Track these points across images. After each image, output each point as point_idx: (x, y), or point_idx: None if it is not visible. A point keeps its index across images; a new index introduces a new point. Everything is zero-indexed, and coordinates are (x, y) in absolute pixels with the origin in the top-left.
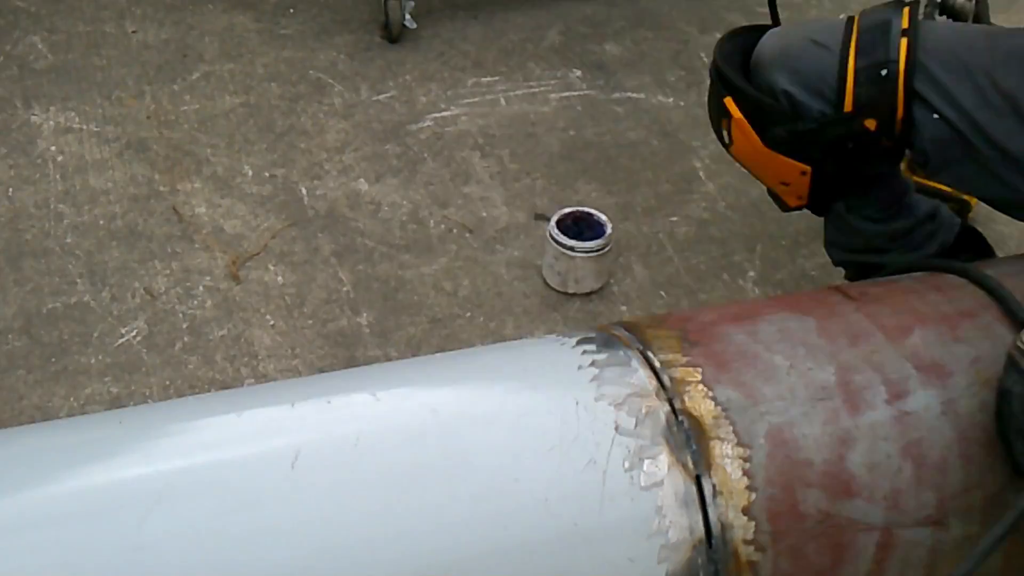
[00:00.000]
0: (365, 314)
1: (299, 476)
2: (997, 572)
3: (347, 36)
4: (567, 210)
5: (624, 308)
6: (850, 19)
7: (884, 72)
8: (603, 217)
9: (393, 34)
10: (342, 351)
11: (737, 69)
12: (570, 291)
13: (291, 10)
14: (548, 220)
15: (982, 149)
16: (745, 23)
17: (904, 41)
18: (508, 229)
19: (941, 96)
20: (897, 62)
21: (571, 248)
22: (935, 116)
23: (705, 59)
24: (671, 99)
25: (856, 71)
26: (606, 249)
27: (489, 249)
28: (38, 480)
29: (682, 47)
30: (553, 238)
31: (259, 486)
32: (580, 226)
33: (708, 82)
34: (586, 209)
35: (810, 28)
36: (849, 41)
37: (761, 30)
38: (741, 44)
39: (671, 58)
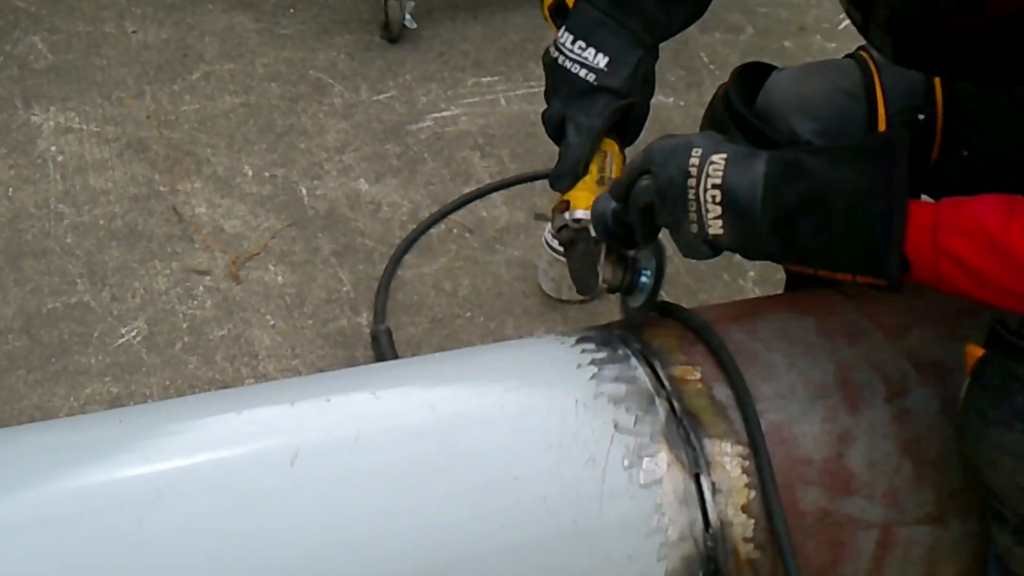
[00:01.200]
0: (365, 314)
1: (298, 474)
2: None
3: (347, 36)
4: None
5: None
6: (859, 58)
7: (922, 116)
8: None
9: (393, 34)
10: (342, 351)
11: (753, 116)
12: (563, 298)
13: (291, 10)
14: (549, 220)
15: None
16: (745, 23)
17: (937, 81)
18: (508, 229)
19: (971, 127)
20: (935, 104)
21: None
22: (964, 152)
23: (705, 59)
24: (671, 99)
25: (889, 116)
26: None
27: (489, 249)
28: (38, 479)
29: (682, 47)
30: (547, 244)
31: (258, 484)
32: None
33: (708, 117)
34: None
35: (824, 72)
36: (873, 85)
37: (759, 71)
38: (748, 85)
39: (671, 58)
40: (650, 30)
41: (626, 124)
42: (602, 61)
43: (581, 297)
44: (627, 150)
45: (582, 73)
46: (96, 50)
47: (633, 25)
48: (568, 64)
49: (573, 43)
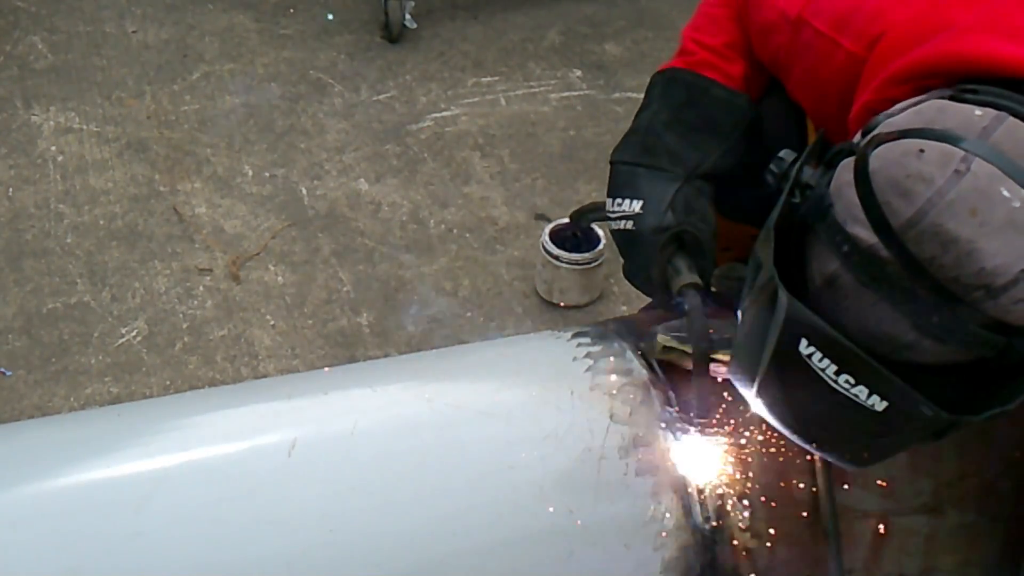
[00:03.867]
0: (365, 314)
1: (295, 465)
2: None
3: (347, 36)
4: (567, 221)
5: (624, 308)
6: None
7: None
8: (600, 232)
9: (393, 34)
10: (342, 351)
11: None
12: (555, 301)
13: (291, 10)
14: (549, 220)
15: None
16: None
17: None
18: (508, 229)
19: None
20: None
21: (557, 257)
22: None
23: None
24: None
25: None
26: (594, 263)
27: (489, 249)
28: (40, 473)
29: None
30: (544, 247)
31: (255, 474)
32: (578, 238)
33: None
34: None
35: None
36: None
37: None
38: None
39: (671, 58)
40: (680, 164)
41: (693, 255)
42: (637, 205)
43: (572, 303)
44: None
45: (623, 224)
46: (96, 50)
47: (661, 163)
48: (614, 224)
49: (612, 203)
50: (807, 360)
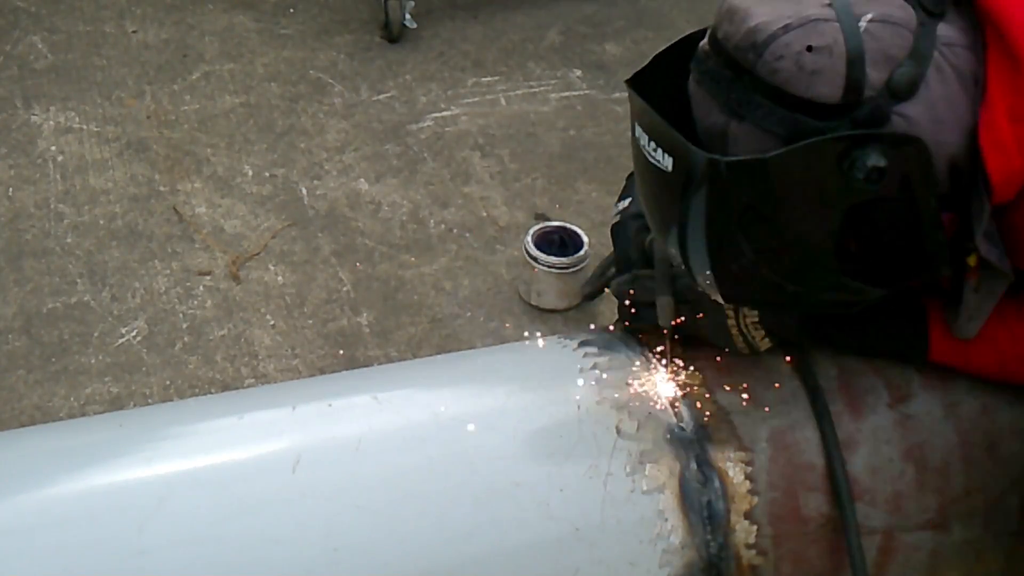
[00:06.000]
0: (365, 314)
1: (300, 481)
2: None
3: (347, 36)
4: (554, 224)
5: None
6: None
7: None
8: (585, 238)
9: (393, 34)
10: (342, 351)
11: None
12: (532, 303)
13: (291, 10)
14: (549, 220)
15: None
16: None
17: None
18: (508, 229)
19: None
20: None
21: (535, 259)
22: None
23: None
24: None
25: None
26: (572, 269)
27: (489, 249)
28: (39, 483)
29: None
30: (525, 249)
31: (261, 491)
32: (564, 243)
33: None
34: (572, 227)
35: None
36: None
37: None
38: None
39: None
40: None
41: None
42: (627, 203)
43: (550, 307)
44: None
45: (615, 220)
46: (96, 50)
47: None
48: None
49: (615, 208)
50: (639, 147)
